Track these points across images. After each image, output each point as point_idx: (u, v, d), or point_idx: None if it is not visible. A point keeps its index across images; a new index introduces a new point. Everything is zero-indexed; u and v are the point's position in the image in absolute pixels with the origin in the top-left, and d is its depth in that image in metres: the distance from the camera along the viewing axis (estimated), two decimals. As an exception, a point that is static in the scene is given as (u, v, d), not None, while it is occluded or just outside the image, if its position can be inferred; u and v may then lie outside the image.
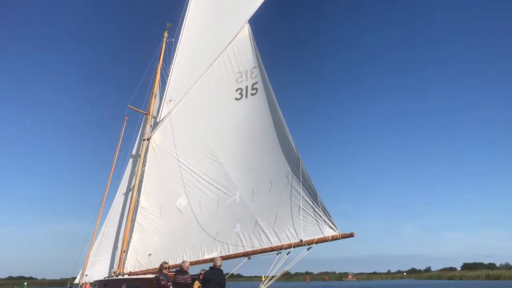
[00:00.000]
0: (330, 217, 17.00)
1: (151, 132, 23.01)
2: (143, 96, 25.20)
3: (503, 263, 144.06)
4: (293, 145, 18.18)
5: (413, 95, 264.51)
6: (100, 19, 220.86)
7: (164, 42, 25.46)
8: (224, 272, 16.61)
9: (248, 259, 17.91)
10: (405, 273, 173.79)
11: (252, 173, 19.25)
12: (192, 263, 18.52)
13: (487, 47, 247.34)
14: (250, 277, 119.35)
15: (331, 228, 16.83)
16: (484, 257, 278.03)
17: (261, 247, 17.82)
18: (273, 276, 16.59)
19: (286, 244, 17.12)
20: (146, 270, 20.38)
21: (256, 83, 20.07)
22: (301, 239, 16.91)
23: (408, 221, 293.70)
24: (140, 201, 21.64)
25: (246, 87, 20.36)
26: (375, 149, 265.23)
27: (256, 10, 21.31)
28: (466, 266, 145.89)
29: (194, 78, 22.11)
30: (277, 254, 17.08)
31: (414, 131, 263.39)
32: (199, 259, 19.18)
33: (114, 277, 20.65)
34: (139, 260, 20.92)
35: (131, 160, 25.18)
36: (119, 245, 22.41)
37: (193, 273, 17.62)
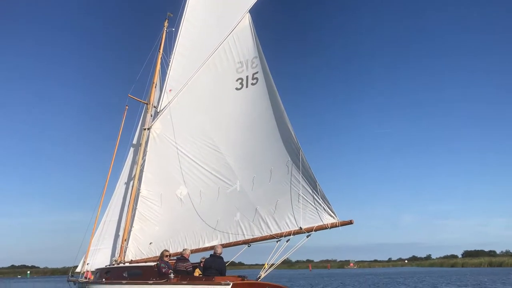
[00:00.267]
0: (330, 205, 17.12)
1: (152, 121, 23.09)
2: (144, 85, 25.19)
3: (504, 251, 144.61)
4: (293, 135, 18.25)
5: (414, 81, 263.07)
6: (100, 9, 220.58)
7: (165, 32, 25.31)
8: (225, 260, 16.81)
9: (248, 246, 18.12)
10: (406, 261, 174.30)
11: (252, 162, 19.35)
12: (192, 251, 18.74)
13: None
14: (252, 265, 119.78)
15: (331, 215, 16.96)
16: (483, 245, 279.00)
17: (261, 235, 18.00)
18: (272, 264, 16.74)
19: (286, 232, 17.29)
20: (147, 258, 20.59)
21: (257, 73, 20.08)
22: (300, 227, 17.07)
23: (407, 210, 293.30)
24: (141, 190, 21.78)
25: (247, 77, 20.38)
26: (376, 138, 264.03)
27: (257, 0, 21.28)
28: (467, 254, 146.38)
29: (195, 68, 22.09)
30: (277, 242, 17.25)
31: (413, 119, 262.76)
32: (200, 247, 19.38)
33: (116, 265, 20.87)
34: (140, 248, 21.14)
35: (132, 149, 25.17)
36: (120, 234, 22.55)
37: (193, 262, 17.82)
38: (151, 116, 23.63)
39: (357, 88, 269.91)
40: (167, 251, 17.97)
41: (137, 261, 20.67)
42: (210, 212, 19.73)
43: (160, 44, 25.06)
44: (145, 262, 19.94)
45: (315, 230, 16.89)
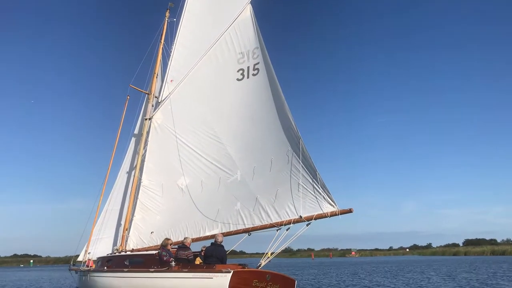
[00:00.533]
0: (329, 194, 17.21)
1: (153, 112, 23.20)
2: (145, 76, 25.30)
3: (504, 239, 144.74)
4: (293, 124, 18.33)
5: (416, 70, 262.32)
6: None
7: (166, 22, 25.41)
8: (226, 249, 16.97)
9: (249, 235, 18.27)
10: (407, 249, 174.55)
11: (253, 152, 19.46)
12: (193, 240, 18.93)
13: None
14: (253, 254, 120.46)
15: (330, 204, 17.05)
16: (483, 233, 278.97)
17: (261, 224, 18.14)
18: (273, 253, 16.91)
19: (286, 221, 17.42)
20: (148, 247, 20.79)
21: (258, 63, 20.17)
22: (300, 215, 17.19)
23: (408, 198, 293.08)
24: (142, 180, 21.98)
25: (248, 67, 20.46)
26: (377, 127, 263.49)
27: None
28: (468, 242, 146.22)
29: (196, 58, 22.21)
30: (277, 231, 17.39)
31: (415, 108, 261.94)
32: (201, 236, 19.57)
33: (117, 254, 21.09)
34: (141, 237, 21.35)
35: (133, 139, 25.32)
36: (122, 223, 22.77)
37: (194, 251, 18.00)
38: (153, 106, 23.74)
39: (361, 78, 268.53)
40: (168, 239, 18.11)
41: (138, 250, 20.88)
42: (211, 201, 19.90)
43: (162, 35, 25.19)
44: (146, 250, 20.13)
45: (315, 219, 16.99)
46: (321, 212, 17.02)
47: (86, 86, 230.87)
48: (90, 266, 22.75)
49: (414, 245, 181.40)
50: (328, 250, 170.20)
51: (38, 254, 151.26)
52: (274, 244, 16.89)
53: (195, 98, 21.87)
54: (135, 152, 24.32)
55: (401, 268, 48.03)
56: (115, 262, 19.97)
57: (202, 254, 17.28)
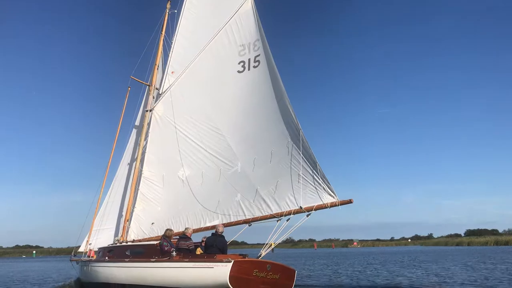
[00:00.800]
0: (329, 184, 17.25)
1: (154, 103, 23.26)
2: (146, 67, 25.32)
3: (506, 229, 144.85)
4: (294, 116, 18.33)
5: (417, 63, 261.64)
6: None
7: (167, 13, 25.33)
8: (226, 239, 17.08)
9: (249, 226, 18.33)
10: (409, 240, 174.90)
11: (253, 144, 19.50)
12: (194, 231, 19.03)
13: None
14: (254, 244, 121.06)
15: (330, 195, 17.10)
16: (484, 223, 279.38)
17: (261, 215, 18.23)
18: (273, 243, 17.00)
19: (286, 211, 17.48)
20: (149, 238, 20.93)
21: (259, 55, 20.16)
22: (300, 206, 17.25)
23: (408, 189, 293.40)
24: (143, 172, 22.05)
25: (249, 59, 20.46)
26: (377, 118, 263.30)
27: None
28: (470, 233, 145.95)
29: (197, 50, 22.20)
30: (277, 221, 17.44)
31: (416, 99, 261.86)
32: (201, 226, 19.68)
33: (118, 244, 21.24)
34: (142, 228, 21.47)
35: (134, 131, 25.38)
36: (123, 214, 22.88)
37: (195, 241, 18.12)
38: (154, 98, 23.77)
39: (363, 70, 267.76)
40: (170, 230, 18.22)
41: (139, 241, 21.00)
42: (212, 193, 19.99)
43: (163, 26, 25.12)
44: (148, 241, 20.24)
45: (315, 210, 17.04)
46: (321, 202, 17.06)
47: (87, 78, 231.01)
48: (91, 257, 22.89)
49: (416, 235, 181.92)
50: (330, 240, 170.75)
51: (40, 245, 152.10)
52: (274, 235, 17.00)
53: (196, 90, 21.89)
54: (136, 143, 24.40)
55: (413, 258, 47.94)
56: (116, 252, 20.12)
57: (203, 244, 17.41)
